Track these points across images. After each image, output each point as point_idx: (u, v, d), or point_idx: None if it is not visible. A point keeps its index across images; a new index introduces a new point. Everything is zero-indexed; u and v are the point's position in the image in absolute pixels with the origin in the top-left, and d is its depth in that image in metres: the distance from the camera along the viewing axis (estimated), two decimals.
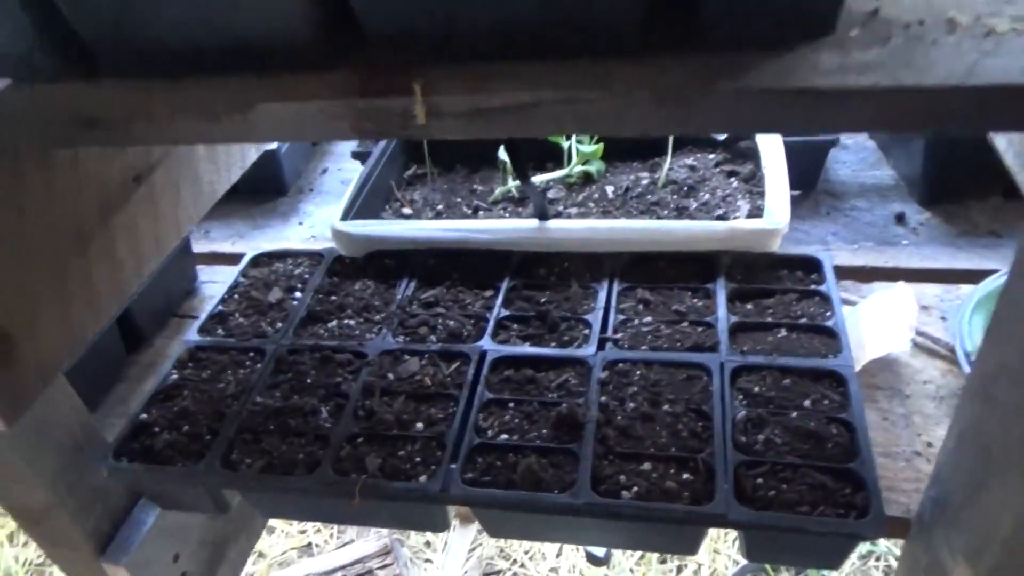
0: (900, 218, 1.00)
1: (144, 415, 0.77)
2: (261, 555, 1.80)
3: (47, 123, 0.53)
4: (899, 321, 0.76)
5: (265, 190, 1.29)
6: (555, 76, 0.44)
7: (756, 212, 0.85)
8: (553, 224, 0.84)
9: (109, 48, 0.51)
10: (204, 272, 1.16)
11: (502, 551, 1.75)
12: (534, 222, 0.85)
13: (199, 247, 1.18)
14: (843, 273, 0.90)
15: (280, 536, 1.84)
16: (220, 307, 0.90)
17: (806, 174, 1.06)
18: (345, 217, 0.91)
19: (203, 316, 0.89)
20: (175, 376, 0.81)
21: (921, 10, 0.46)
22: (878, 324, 0.77)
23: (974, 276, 0.87)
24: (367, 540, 1.74)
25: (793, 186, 1.03)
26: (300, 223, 1.24)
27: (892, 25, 0.45)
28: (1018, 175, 0.61)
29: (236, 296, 0.91)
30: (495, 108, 0.45)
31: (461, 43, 0.46)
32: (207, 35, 0.48)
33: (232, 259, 1.15)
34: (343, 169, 1.36)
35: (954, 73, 0.39)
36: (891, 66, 0.41)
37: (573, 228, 0.84)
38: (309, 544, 1.84)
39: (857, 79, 0.40)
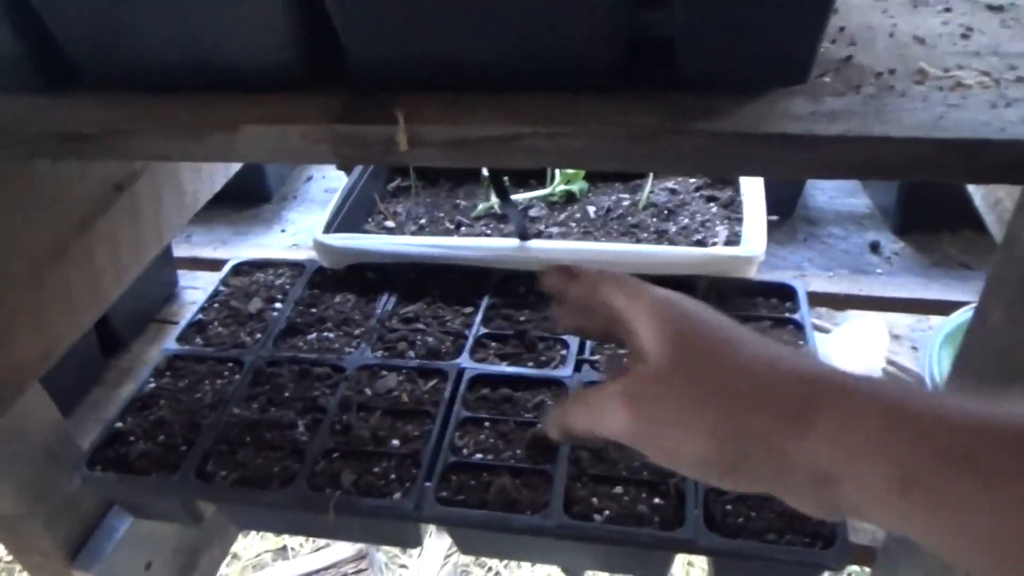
0: (875, 247, 1.02)
1: (119, 424, 0.77)
2: (235, 556, 1.79)
3: (29, 135, 0.53)
4: (870, 350, 0.78)
5: (249, 196, 1.29)
6: (535, 110, 0.45)
7: (734, 238, 0.87)
8: (533, 244, 0.85)
9: (94, 62, 0.51)
10: (185, 277, 1.15)
11: (477, 559, 1.75)
12: (515, 241, 0.86)
13: (180, 252, 1.18)
14: (818, 300, 0.92)
15: (255, 538, 1.83)
16: (200, 316, 0.90)
17: (785, 200, 1.08)
18: (328, 229, 0.92)
19: (182, 324, 0.89)
20: (152, 384, 0.81)
21: (893, 59, 0.48)
22: (850, 353, 0.78)
23: (945, 307, 0.89)
24: (342, 545, 1.73)
25: (772, 211, 1.05)
26: (283, 231, 1.25)
27: (864, 73, 0.46)
28: (987, 216, 0.63)
29: (216, 305, 0.91)
30: (475, 139, 0.46)
31: (444, 73, 0.47)
32: (193, 54, 0.49)
33: (214, 265, 1.14)
34: (327, 177, 1.37)
35: (920, 125, 0.41)
36: (860, 115, 0.42)
37: (553, 249, 0.85)
38: (284, 547, 1.83)
39: (827, 127, 0.42)
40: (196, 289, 1.13)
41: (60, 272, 0.69)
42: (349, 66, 0.48)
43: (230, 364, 0.82)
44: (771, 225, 1.06)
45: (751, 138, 0.42)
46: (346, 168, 1.15)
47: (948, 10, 0.54)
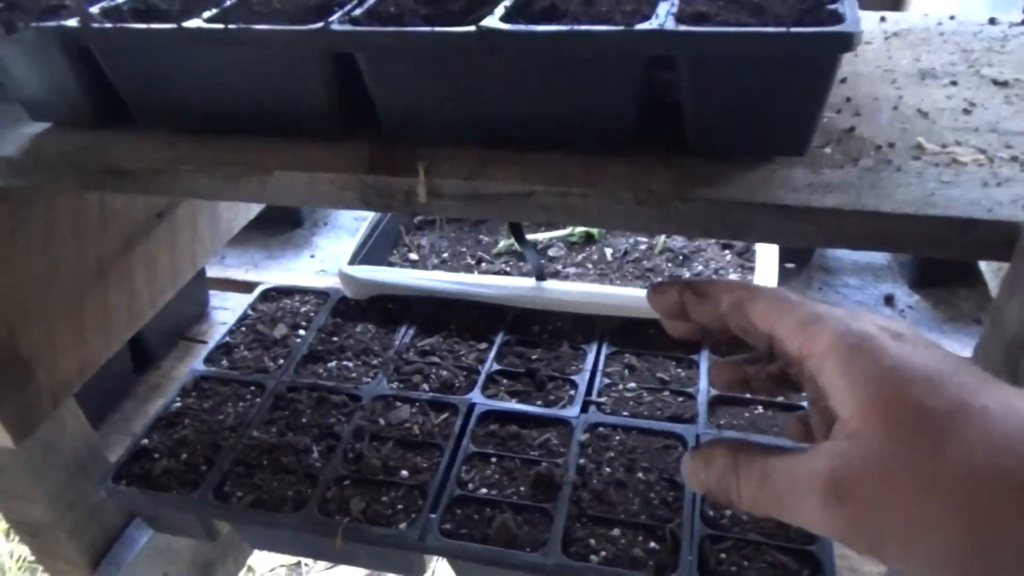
0: (889, 299, 1.03)
1: (145, 440, 0.81)
2: (250, 569, 1.82)
3: (82, 169, 0.57)
4: None
5: (282, 221, 1.34)
6: (549, 170, 0.48)
7: None
8: (548, 285, 0.88)
9: (143, 105, 0.55)
10: (216, 297, 1.20)
11: None
12: (531, 281, 0.88)
13: (213, 272, 1.22)
14: None
15: (270, 552, 1.86)
16: (227, 338, 0.93)
17: (802, 248, 1.09)
18: (353, 261, 0.95)
19: (210, 346, 0.92)
20: (178, 404, 0.84)
21: (895, 132, 0.50)
22: None
23: None
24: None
25: (788, 259, 1.06)
26: (312, 256, 1.29)
27: (864, 145, 0.48)
28: (990, 281, 0.64)
29: (243, 328, 0.95)
30: (491, 195, 0.49)
31: (466, 130, 0.50)
32: (234, 101, 0.52)
33: (244, 286, 1.18)
34: None
35: (911, 201, 0.43)
36: (855, 188, 0.44)
37: (568, 291, 0.88)
38: (298, 562, 1.85)
39: (823, 199, 0.44)
40: (226, 310, 1.17)
41: (100, 293, 0.74)
42: (378, 117, 0.51)
43: (252, 387, 0.85)
44: (787, 273, 1.08)
45: (750, 207, 0.44)
46: None
47: (954, 83, 0.56)
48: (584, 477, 0.72)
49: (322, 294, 1.00)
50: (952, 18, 0.69)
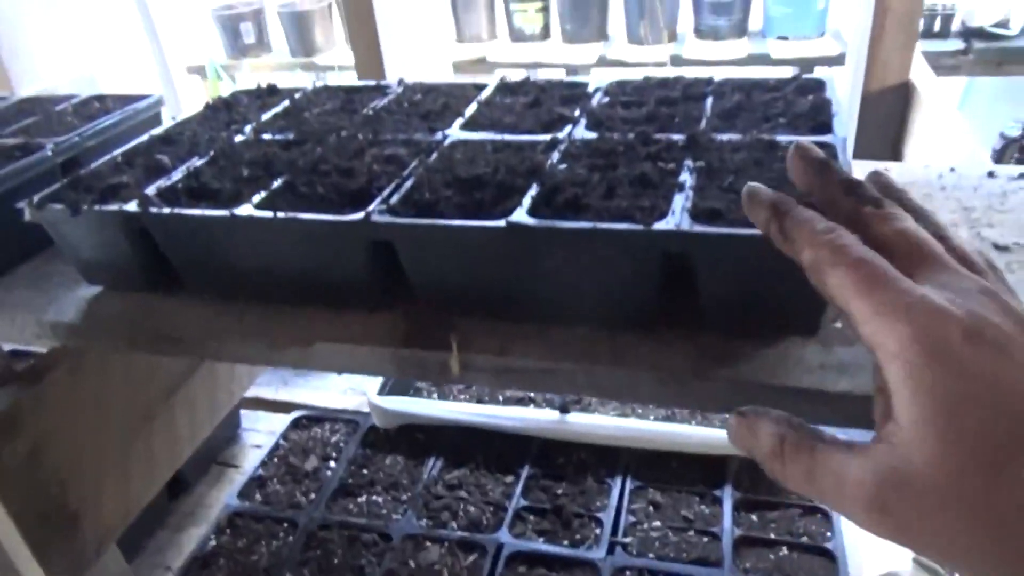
0: None
1: None
2: None
3: (135, 334, 0.60)
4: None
5: None
6: (575, 346, 0.50)
7: None
8: (572, 418, 0.90)
9: (193, 273, 0.59)
10: (247, 418, 1.22)
11: None
12: (556, 414, 0.91)
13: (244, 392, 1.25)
14: None
15: None
16: (260, 471, 0.96)
17: None
18: (382, 390, 0.98)
19: (244, 479, 0.95)
20: (212, 543, 0.86)
21: None
22: (881, 541, 0.79)
23: None
24: None
25: None
26: (339, 373, 1.32)
27: None
28: None
29: (275, 460, 0.98)
30: (520, 369, 0.51)
31: (493, 305, 0.53)
32: (278, 273, 0.56)
33: (275, 406, 1.21)
34: None
35: None
36: (866, 368, 0.46)
37: (591, 424, 0.90)
38: None
39: (835, 382, 0.46)
40: (258, 432, 1.19)
41: (146, 438, 0.76)
42: (413, 290, 0.54)
43: (285, 524, 0.87)
44: None
45: (767, 388, 0.47)
46: None
47: None
48: None
49: (352, 422, 1.02)
50: (952, 170, 0.72)
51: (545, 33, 2.22)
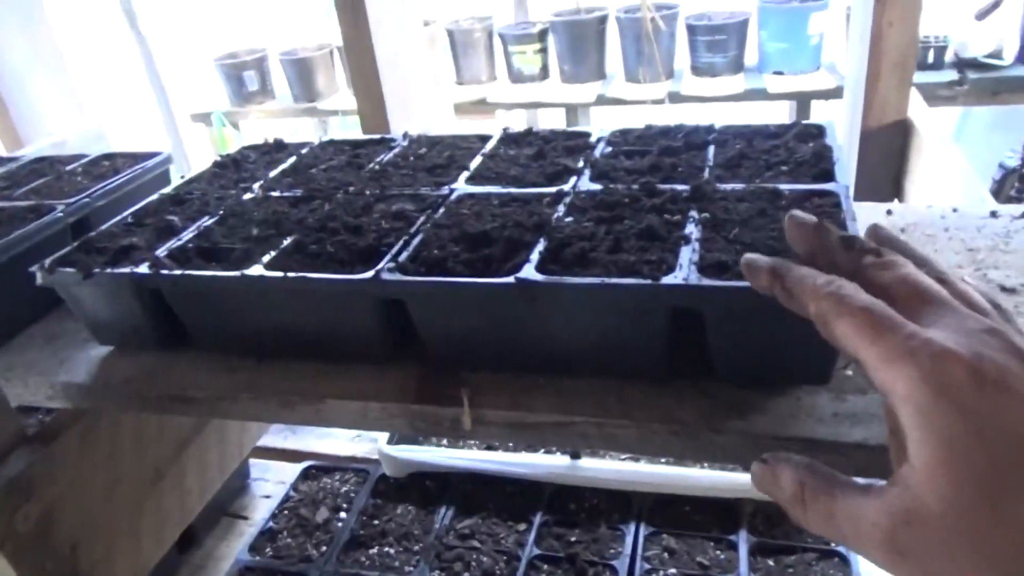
0: None
1: None
2: None
3: (147, 395, 0.60)
4: None
5: None
6: (586, 400, 0.50)
7: None
8: (584, 463, 0.89)
9: (204, 332, 0.59)
10: (256, 468, 1.21)
11: None
12: (567, 459, 0.90)
13: None
14: None
15: None
16: (270, 523, 0.95)
17: None
18: (391, 439, 0.98)
19: (254, 532, 0.94)
20: None
21: None
22: None
23: None
24: None
25: None
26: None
27: None
28: None
29: (286, 512, 0.97)
30: (532, 424, 0.51)
31: (503, 359, 0.53)
32: (288, 331, 0.56)
33: (284, 454, 1.20)
34: None
35: None
36: (879, 417, 0.46)
37: (603, 469, 0.89)
38: None
39: (849, 432, 0.46)
40: (266, 481, 1.18)
41: (156, 498, 0.76)
42: (423, 344, 0.54)
43: None
44: None
45: (780, 440, 0.46)
46: None
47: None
48: None
49: (362, 471, 1.02)
50: (955, 210, 0.72)
51: (544, 73, 2.26)
